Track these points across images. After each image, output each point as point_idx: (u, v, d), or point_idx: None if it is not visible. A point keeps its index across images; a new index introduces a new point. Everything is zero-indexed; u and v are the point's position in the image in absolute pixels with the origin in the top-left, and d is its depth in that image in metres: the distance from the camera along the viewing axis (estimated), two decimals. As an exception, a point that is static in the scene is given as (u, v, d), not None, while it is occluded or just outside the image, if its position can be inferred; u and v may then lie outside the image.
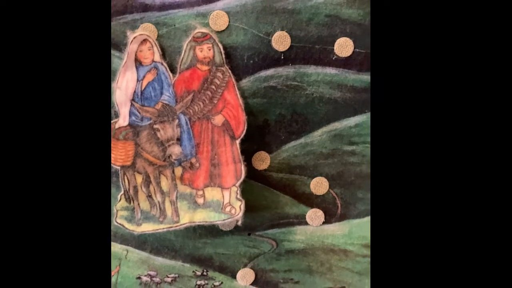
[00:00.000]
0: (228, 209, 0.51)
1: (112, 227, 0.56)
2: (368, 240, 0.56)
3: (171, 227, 0.52)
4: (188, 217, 0.52)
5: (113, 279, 0.57)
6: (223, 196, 0.52)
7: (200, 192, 0.52)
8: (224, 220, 0.51)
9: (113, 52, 0.53)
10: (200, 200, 0.52)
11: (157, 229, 0.52)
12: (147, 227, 0.52)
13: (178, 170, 0.53)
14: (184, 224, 0.52)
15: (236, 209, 0.51)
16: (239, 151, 0.52)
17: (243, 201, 0.52)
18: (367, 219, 0.56)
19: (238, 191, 0.52)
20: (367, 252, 0.57)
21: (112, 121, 0.53)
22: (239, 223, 0.52)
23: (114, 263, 0.57)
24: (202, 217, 0.52)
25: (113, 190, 0.55)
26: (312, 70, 0.54)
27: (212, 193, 0.52)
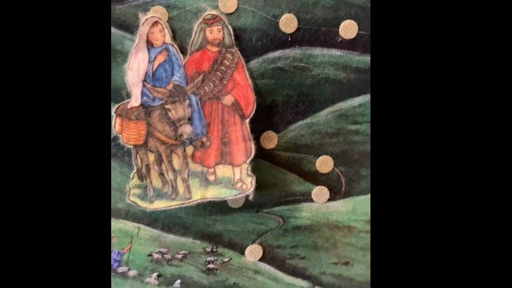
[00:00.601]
0: (239, 185, 0.53)
1: (124, 205, 0.58)
2: (370, 216, 0.59)
3: (183, 203, 0.54)
4: (200, 193, 0.54)
5: (124, 257, 0.59)
6: (234, 173, 0.54)
7: (211, 170, 0.54)
8: (235, 195, 0.53)
9: (124, 34, 0.54)
10: (211, 177, 0.54)
11: (170, 206, 0.54)
12: (160, 204, 0.54)
13: (189, 149, 0.54)
14: (196, 200, 0.53)
15: (247, 185, 0.53)
16: (248, 130, 0.54)
17: (254, 177, 0.54)
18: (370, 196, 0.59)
19: (249, 168, 0.53)
20: (369, 222, 0.59)
21: (123, 102, 0.54)
22: (251, 197, 0.54)
23: (125, 241, 0.59)
24: (213, 193, 0.54)
25: (125, 169, 0.57)
26: (318, 51, 0.55)
27: (223, 171, 0.54)
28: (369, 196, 0.59)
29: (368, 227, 0.59)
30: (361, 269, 0.60)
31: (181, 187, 0.54)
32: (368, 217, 0.59)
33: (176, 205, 0.54)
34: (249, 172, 0.53)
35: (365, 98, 0.56)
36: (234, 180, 0.54)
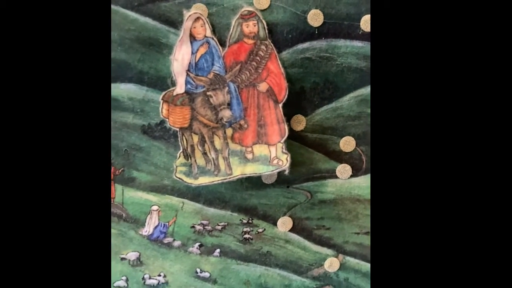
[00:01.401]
0: (275, 161, 0.59)
1: (169, 182, 0.64)
2: None
3: (225, 179, 0.60)
4: (240, 170, 0.60)
5: (170, 229, 0.65)
6: (269, 151, 0.60)
7: (249, 149, 0.60)
8: (272, 171, 0.59)
9: (169, 28, 0.60)
10: (249, 156, 0.60)
11: (213, 181, 0.60)
12: (203, 180, 0.60)
13: (229, 131, 0.60)
14: (236, 176, 0.60)
15: (283, 161, 0.59)
16: (282, 113, 0.59)
17: (289, 154, 0.59)
18: None
19: (284, 146, 0.59)
20: None
21: (170, 89, 0.60)
22: (286, 172, 0.59)
23: (171, 214, 0.65)
24: (252, 169, 0.60)
25: (171, 149, 0.63)
26: (341, 43, 0.61)
27: (260, 149, 0.60)
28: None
29: None
30: None
31: (222, 165, 0.60)
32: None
33: (218, 180, 0.60)
34: (284, 150, 0.59)
35: None
36: (271, 157, 0.60)
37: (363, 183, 0.65)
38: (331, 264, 0.66)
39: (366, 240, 0.66)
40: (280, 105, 0.59)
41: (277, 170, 0.59)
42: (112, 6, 0.59)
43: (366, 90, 0.62)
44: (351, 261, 0.67)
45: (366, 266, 0.66)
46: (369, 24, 0.60)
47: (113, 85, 0.61)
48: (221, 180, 0.60)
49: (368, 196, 0.65)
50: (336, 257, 0.67)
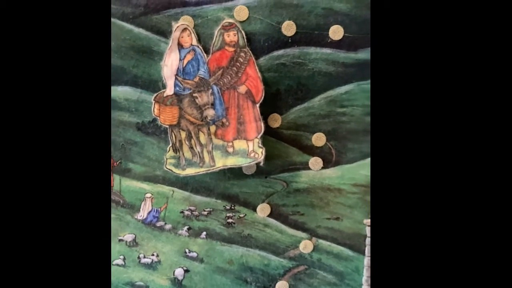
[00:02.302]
0: (252, 154, 0.67)
1: (161, 173, 0.72)
2: (356, 181, 0.72)
3: (209, 170, 0.68)
4: (222, 162, 0.68)
5: (161, 214, 0.73)
6: (247, 146, 0.67)
7: (230, 144, 0.68)
8: (249, 163, 0.67)
9: (160, 38, 0.68)
10: (230, 150, 0.68)
11: (198, 172, 0.68)
12: (190, 171, 0.68)
13: (213, 128, 0.68)
14: (219, 167, 0.67)
15: (259, 154, 0.67)
16: (259, 112, 0.67)
17: (264, 148, 0.67)
18: (355, 164, 0.71)
19: (259, 142, 0.67)
20: (356, 190, 0.72)
21: (160, 91, 0.68)
22: (261, 164, 0.67)
23: (162, 201, 0.73)
24: (232, 161, 0.68)
25: (162, 144, 0.71)
26: (312, 50, 0.68)
27: (239, 144, 0.68)
28: (354, 164, 0.71)
29: (354, 189, 0.72)
30: (349, 223, 0.73)
31: (206, 157, 0.68)
32: (354, 181, 0.72)
33: (203, 171, 0.68)
34: (260, 145, 0.67)
35: (350, 87, 0.69)
36: (248, 151, 0.67)
37: (333, 174, 0.72)
38: (306, 246, 0.74)
39: (336, 224, 0.73)
40: (257, 105, 0.67)
41: (254, 162, 0.67)
42: (113, 19, 0.66)
43: (335, 92, 0.70)
44: (323, 243, 0.74)
45: (337, 248, 0.74)
46: (337, 34, 0.67)
47: (112, 88, 0.69)
48: (205, 171, 0.68)
49: (338, 186, 0.72)
50: (310, 240, 0.74)
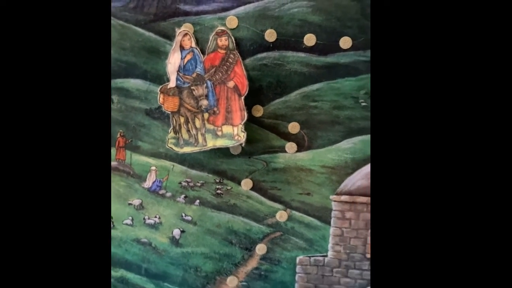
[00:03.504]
0: (236, 137, 0.78)
1: (164, 150, 0.83)
2: (324, 163, 0.82)
3: (201, 149, 0.79)
4: (212, 143, 0.79)
5: (163, 184, 0.84)
6: (233, 130, 0.79)
7: (219, 128, 0.79)
8: (234, 144, 0.78)
9: (166, 41, 0.79)
10: (219, 133, 0.79)
11: (193, 150, 0.79)
12: (187, 149, 0.80)
13: (206, 115, 0.79)
14: (210, 147, 0.79)
15: (241, 137, 0.78)
16: (243, 103, 0.78)
17: (245, 133, 0.78)
18: (324, 149, 0.81)
19: (242, 127, 0.78)
20: (324, 170, 0.82)
21: (165, 84, 0.79)
22: (243, 145, 0.79)
23: (164, 173, 0.84)
24: (221, 143, 0.79)
25: (165, 127, 0.81)
26: (290, 54, 0.78)
27: (227, 129, 0.79)
28: (323, 149, 0.81)
29: (323, 170, 0.82)
30: (318, 198, 0.83)
31: (200, 139, 0.79)
32: (323, 163, 0.82)
33: (197, 150, 0.80)
34: (243, 130, 0.78)
35: (320, 85, 0.79)
36: (233, 134, 0.79)
37: (305, 157, 0.82)
38: (281, 216, 0.85)
39: (307, 199, 0.83)
40: (242, 97, 0.78)
41: (237, 143, 0.79)
42: (125, 24, 0.79)
43: (308, 89, 0.80)
44: (296, 214, 0.84)
45: (308, 219, 0.84)
46: (310, 41, 0.77)
47: (125, 80, 0.80)
48: (199, 149, 0.80)
49: (309, 167, 0.82)
50: (285, 210, 0.85)
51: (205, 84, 0.79)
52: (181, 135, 0.81)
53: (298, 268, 0.87)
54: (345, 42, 0.78)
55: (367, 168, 0.83)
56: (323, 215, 0.85)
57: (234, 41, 0.78)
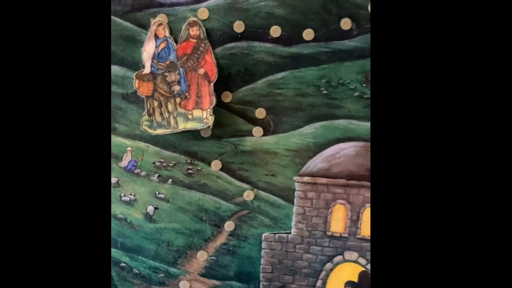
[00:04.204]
0: (205, 120, 0.84)
1: (139, 132, 0.87)
2: (288, 146, 0.87)
3: (173, 131, 0.84)
4: (183, 125, 0.84)
5: (138, 164, 0.89)
6: (202, 114, 0.84)
7: (190, 112, 0.84)
8: (202, 126, 0.84)
9: (142, 30, 0.85)
10: (190, 116, 0.84)
11: (166, 132, 0.85)
12: (160, 131, 0.85)
13: (178, 100, 0.84)
14: (181, 129, 0.84)
15: (209, 120, 0.83)
16: (212, 89, 0.83)
17: (213, 116, 0.83)
18: (288, 133, 0.85)
19: (211, 111, 0.83)
20: (288, 153, 0.86)
21: (140, 70, 0.84)
22: (211, 127, 0.84)
23: (139, 154, 0.89)
24: (191, 125, 0.84)
25: (140, 110, 0.86)
26: (257, 44, 0.84)
27: (197, 113, 0.84)
28: (287, 134, 0.86)
29: (287, 153, 0.88)
30: (282, 179, 0.88)
31: (172, 121, 0.84)
32: (287, 147, 0.87)
33: (169, 131, 0.85)
34: (211, 113, 0.83)
35: (285, 74, 0.84)
36: (203, 118, 0.84)
37: (271, 140, 0.87)
38: (248, 195, 0.89)
39: (272, 179, 0.88)
40: (212, 84, 0.83)
41: (206, 126, 0.84)
42: None
43: (273, 77, 0.86)
44: (262, 194, 0.89)
45: (273, 198, 0.88)
46: (276, 32, 0.83)
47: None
48: (171, 131, 0.85)
49: (274, 150, 0.87)
50: (252, 190, 0.89)
51: (178, 71, 0.84)
52: (155, 118, 0.86)
53: (263, 244, 0.91)
54: (308, 34, 0.83)
55: (327, 152, 0.88)
56: (287, 195, 0.89)
57: (205, 31, 0.83)
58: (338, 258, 0.90)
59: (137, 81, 0.85)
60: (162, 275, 0.94)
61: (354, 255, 0.89)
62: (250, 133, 0.89)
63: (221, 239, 0.92)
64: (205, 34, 0.83)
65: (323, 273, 0.90)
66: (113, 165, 0.92)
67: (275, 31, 0.84)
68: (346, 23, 0.83)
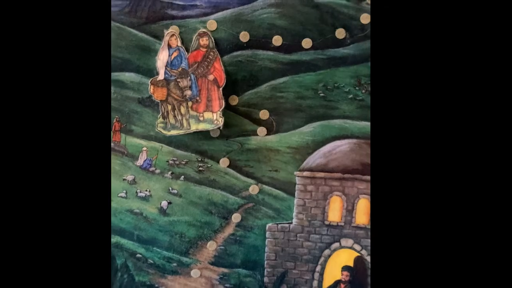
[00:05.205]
0: (215, 122, 0.89)
1: (154, 133, 0.92)
2: (289, 144, 0.93)
3: (186, 132, 0.90)
4: (195, 126, 0.89)
5: (153, 162, 0.94)
6: (213, 116, 0.89)
7: (201, 114, 0.90)
8: (213, 127, 0.89)
9: (156, 40, 0.90)
10: (201, 118, 0.90)
11: (179, 133, 0.90)
12: (173, 132, 0.90)
13: (190, 103, 0.89)
14: (193, 130, 0.90)
15: (219, 121, 0.89)
16: (221, 93, 0.88)
17: (223, 118, 0.88)
18: (289, 133, 0.91)
19: (220, 113, 0.88)
20: (289, 151, 0.92)
21: (155, 77, 0.89)
22: (221, 128, 0.90)
23: (154, 153, 0.93)
24: (202, 126, 0.89)
25: (155, 113, 0.91)
26: (260, 52, 0.89)
27: (207, 115, 0.90)
28: (288, 133, 0.92)
29: (288, 150, 0.94)
30: (284, 174, 0.93)
31: (185, 123, 0.90)
32: (288, 144, 0.93)
33: (182, 132, 0.90)
34: (221, 115, 0.89)
35: (286, 79, 0.90)
36: (213, 119, 0.90)
37: (273, 139, 0.93)
38: (253, 189, 0.94)
39: (275, 175, 0.93)
40: (220, 89, 0.89)
41: (216, 127, 0.90)
42: (122, 26, 0.90)
43: (275, 82, 0.91)
44: (266, 188, 0.94)
45: (276, 191, 0.94)
46: (277, 41, 0.90)
47: (121, 73, 0.91)
48: (183, 132, 0.90)
49: (276, 148, 0.93)
50: (257, 185, 0.94)
51: (189, 77, 0.89)
52: (169, 120, 0.91)
53: (267, 234, 0.96)
54: (306, 42, 0.89)
55: (324, 148, 0.94)
56: (289, 188, 0.94)
57: (213, 41, 0.88)
58: (335, 245, 0.96)
59: (152, 86, 0.90)
60: (175, 264, 0.98)
61: (349, 242, 0.96)
62: (254, 133, 0.93)
63: (229, 230, 0.97)
64: (214, 43, 0.89)
65: (322, 259, 0.96)
66: (129, 163, 0.97)
67: (277, 40, 0.89)
68: (340, 33, 0.89)
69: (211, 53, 0.89)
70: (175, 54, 0.89)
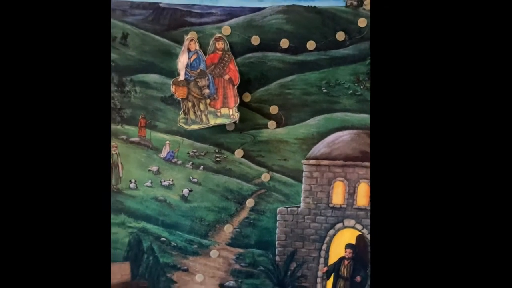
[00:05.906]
0: (232, 117, 0.97)
1: (176, 128, 0.99)
2: (297, 136, 1.01)
3: (205, 126, 0.97)
4: (213, 121, 0.97)
5: (176, 154, 1.01)
6: (229, 111, 0.97)
7: (218, 110, 0.97)
8: (230, 121, 0.97)
9: (176, 45, 0.96)
10: (219, 114, 0.97)
11: (199, 127, 0.97)
12: (194, 127, 0.98)
13: (208, 101, 0.96)
14: (211, 124, 0.97)
15: (235, 116, 0.97)
16: (236, 91, 0.95)
17: (239, 113, 0.95)
18: (297, 125, 0.98)
19: (236, 109, 0.95)
20: (297, 142, 0.99)
21: (176, 77, 0.96)
22: (237, 122, 0.96)
23: (176, 146, 1.00)
24: (220, 121, 0.97)
25: (177, 110, 0.97)
26: (270, 54, 0.96)
27: (224, 110, 0.97)
28: (296, 125, 0.99)
29: (296, 141, 1.02)
30: (292, 163, 1.01)
31: (204, 118, 0.97)
32: (297, 136, 1.00)
33: (201, 127, 0.97)
34: (236, 111, 0.96)
35: (293, 77, 0.97)
36: (230, 114, 0.97)
37: (282, 131, 1.00)
38: (265, 177, 1.02)
39: (285, 163, 1.01)
40: (235, 87, 0.95)
41: (232, 121, 0.97)
42: (146, 32, 0.97)
43: (284, 80, 0.98)
44: (276, 175, 1.02)
45: (285, 178, 1.02)
46: (285, 44, 0.97)
47: (145, 75, 0.98)
48: (203, 127, 0.97)
49: (285, 139, 1.02)
50: (268, 173, 1.01)
51: (207, 77, 0.96)
52: (189, 116, 0.98)
53: (278, 217, 1.03)
54: (311, 44, 0.96)
55: (328, 139, 1.01)
56: (296, 175, 1.02)
57: (228, 45, 0.95)
58: (339, 225, 1.04)
59: (173, 86, 0.97)
60: (195, 246, 1.06)
61: (352, 222, 1.04)
62: (265, 126, 1.00)
63: (244, 214, 1.04)
64: (229, 46, 0.95)
65: (327, 238, 1.04)
66: (154, 156, 1.04)
67: (284, 43, 0.96)
68: (340, 36, 0.96)
69: (226, 56, 0.96)
70: (194, 57, 0.96)
